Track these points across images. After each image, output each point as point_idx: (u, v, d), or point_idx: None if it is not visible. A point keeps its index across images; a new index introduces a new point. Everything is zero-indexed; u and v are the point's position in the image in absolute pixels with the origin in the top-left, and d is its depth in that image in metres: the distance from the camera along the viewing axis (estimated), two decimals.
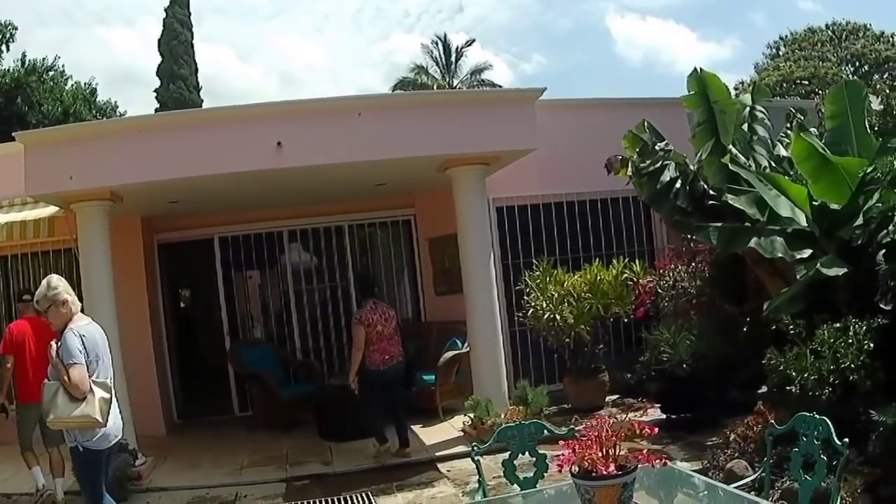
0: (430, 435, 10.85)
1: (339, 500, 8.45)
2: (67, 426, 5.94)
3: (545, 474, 5.18)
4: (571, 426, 5.38)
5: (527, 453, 5.27)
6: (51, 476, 8.75)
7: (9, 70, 30.68)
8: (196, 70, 39.02)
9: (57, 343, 6.00)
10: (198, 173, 9.58)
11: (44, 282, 6.14)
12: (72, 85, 33.74)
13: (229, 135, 9.62)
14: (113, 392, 6.06)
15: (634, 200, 13.17)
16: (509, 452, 5.23)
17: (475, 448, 5.25)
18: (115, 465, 8.08)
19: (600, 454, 3.87)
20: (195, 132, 9.80)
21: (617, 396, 12.07)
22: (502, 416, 9.94)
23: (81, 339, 5.95)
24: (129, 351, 10.29)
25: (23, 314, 9.11)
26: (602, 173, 10.39)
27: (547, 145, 10.73)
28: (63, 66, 33.45)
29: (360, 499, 8.48)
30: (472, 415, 10.24)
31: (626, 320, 11.75)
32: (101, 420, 5.85)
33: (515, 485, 5.18)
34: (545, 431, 5.35)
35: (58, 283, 6.08)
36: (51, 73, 32.73)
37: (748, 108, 9.85)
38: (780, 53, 38.48)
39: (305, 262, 13.97)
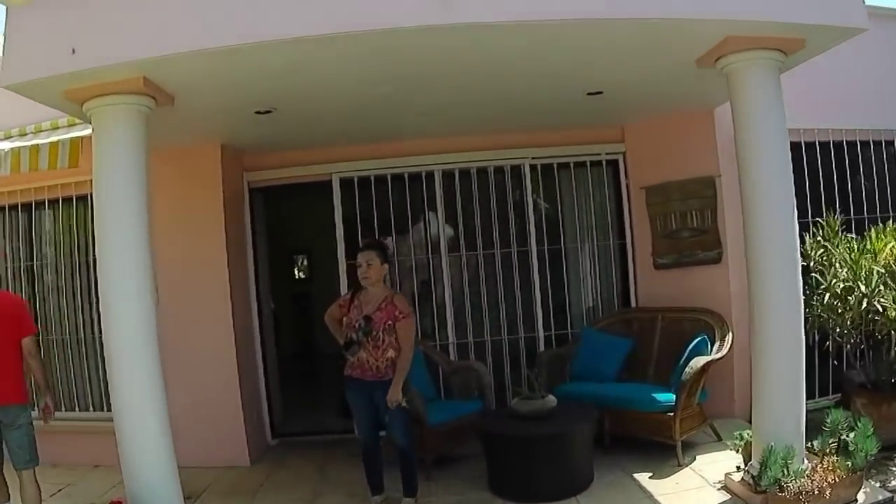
0: (675, 499, 6.67)
1: None
2: None
3: None
4: None
5: None
6: None
7: None
8: None
9: None
10: (298, 33, 5.32)
11: None
12: None
13: None
14: None
15: None
16: None
17: None
18: None
19: None
20: None
21: None
22: (806, 471, 6.13)
23: None
24: (193, 344, 8.25)
25: None
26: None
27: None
28: None
29: None
30: (747, 467, 6.53)
31: None
32: None
33: None
34: None
35: None
36: None
37: None
38: None
39: (466, 217, 9.76)
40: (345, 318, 6.82)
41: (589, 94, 7.72)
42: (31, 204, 9.17)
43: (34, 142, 7.63)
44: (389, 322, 6.59)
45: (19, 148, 7.50)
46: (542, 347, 9.50)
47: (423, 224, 9.81)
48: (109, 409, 8.30)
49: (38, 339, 6.78)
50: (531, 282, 9.60)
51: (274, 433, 9.68)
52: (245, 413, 8.71)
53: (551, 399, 7.25)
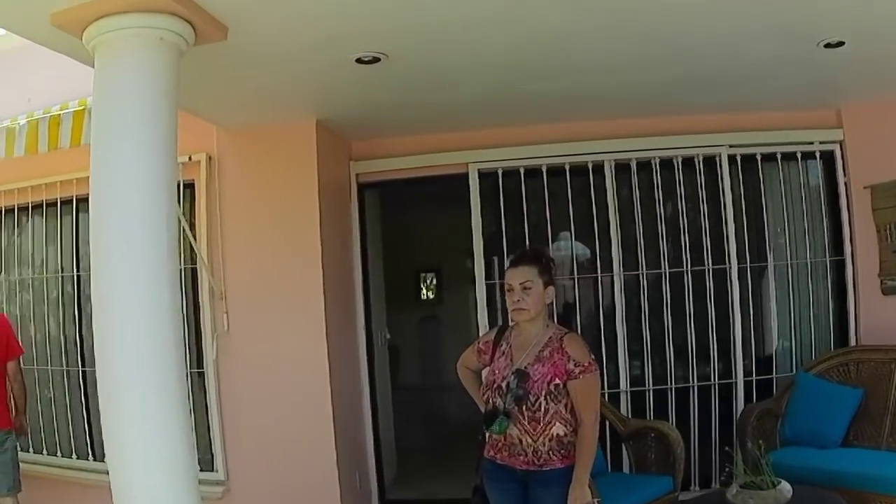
0: None
1: None
2: None
3: None
4: None
5: None
6: None
7: None
8: None
9: None
10: None
11: None
12: None
13: None
14: None
15: None
16: None
17: None
18: None
19: None
20: None
21: None
22: None
23: None
24: (270, 385, 6.62)
25: None
26: None
27: None
28: None
29: None
30: None
31: None
32: None
33: None
34: None
35: None
36: None
37: None
38: None
39: (646, 224, 7.60)
40: (485, 371, 4.51)
41: (827, 45, 5.51)
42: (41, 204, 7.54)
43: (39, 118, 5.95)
44: (558, 381, 4.20)
45: (15, 127, 5.87)
46: (740, 398, 7.32)
47: (593, 228, 7.68)
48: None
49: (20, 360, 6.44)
50: (730, 311, 7.38)
51: (382, 499, 7.76)
52: (341, 475, 6.80)
53: (785, 488, 4.97)
